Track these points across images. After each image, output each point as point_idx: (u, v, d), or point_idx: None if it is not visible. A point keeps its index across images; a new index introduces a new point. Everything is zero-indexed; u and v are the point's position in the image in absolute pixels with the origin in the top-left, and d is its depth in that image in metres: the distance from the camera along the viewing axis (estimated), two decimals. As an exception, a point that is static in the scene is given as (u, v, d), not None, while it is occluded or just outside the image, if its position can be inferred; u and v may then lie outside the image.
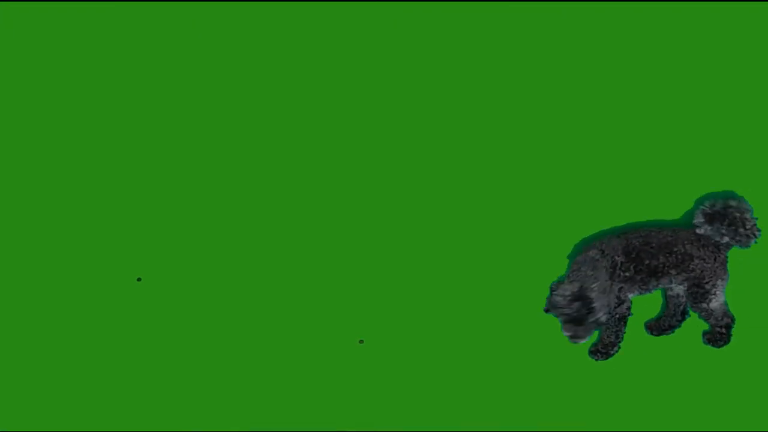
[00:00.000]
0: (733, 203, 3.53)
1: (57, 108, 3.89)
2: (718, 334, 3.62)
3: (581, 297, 3.44)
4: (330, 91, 3.87)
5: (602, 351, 3.64)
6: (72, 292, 3.81)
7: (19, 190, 3.87)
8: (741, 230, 3.51)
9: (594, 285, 3.45)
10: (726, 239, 3.52)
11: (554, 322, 3.73)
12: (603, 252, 3.53)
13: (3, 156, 3.88)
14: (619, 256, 3.52)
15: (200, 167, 3.86)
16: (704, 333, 3.67)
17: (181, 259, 3.84)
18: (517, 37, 3.83)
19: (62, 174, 3.88)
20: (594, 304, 3.43)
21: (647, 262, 3.52)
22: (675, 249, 3.52)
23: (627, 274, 3.52)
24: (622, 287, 3.54)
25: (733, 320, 3.62)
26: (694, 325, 3.72)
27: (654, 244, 3.53)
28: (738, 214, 3.51)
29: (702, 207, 3.55)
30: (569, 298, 3.43)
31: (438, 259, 3.81)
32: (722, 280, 3.54)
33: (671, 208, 3.75)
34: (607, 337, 3.62)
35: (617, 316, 3.57)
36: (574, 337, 3.49)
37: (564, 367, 3.72)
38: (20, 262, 3.84)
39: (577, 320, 3.44)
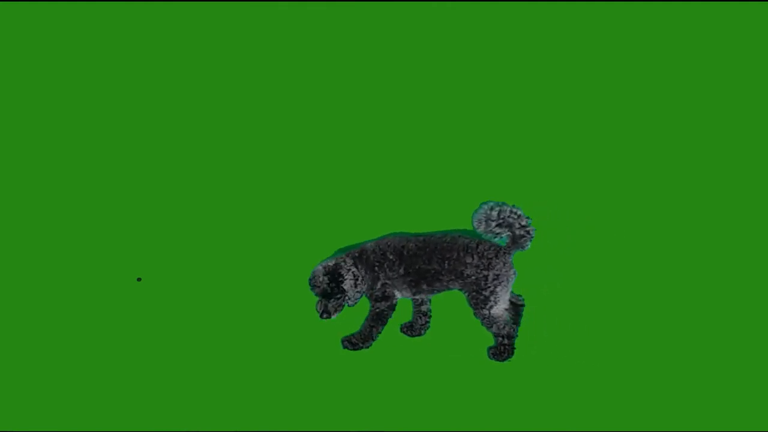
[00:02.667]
0: (506, 208, 3.59)
1: (41, 111, 3.98)
2: (502, 347, 3.67)
3: (334, 273, 3.60)
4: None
5: (353, 342, 3.72)
6: (68, 291, 3.90)
7: (16, 191, 3.95)
8: (516, 230, 3.58)
9: (350, 267, 3.61)
10: (502, 237, 3.59)
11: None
12: (378, 247, 3.64)
13: (2, 156, 3.95)
14: (391, 254, 3.61)
15: (188, 170, 3.98)
16: (489, 348, 3.71)
17: (177, 259, 3.93)
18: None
19: (57, 174, 3.97)
20: (344, 284, 3.61)
21: (418, 265, 3.61)
22: (449, 255, 3.60)
23: (393, 273, 3.63)
24: (386, 283, 3.64)
25: (515, 331, 3.67)
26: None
27: (429, 249, 3.61)
28: (513, 217, 3.58)
29: (479, 210, 3.61)
30: (323, 271, 3.61)
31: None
32: (503, 286, 3.61)
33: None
34: (363, 330, 3.71)
35: (377, 310, 3.68)
36: (323, 312, 3.65)
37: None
38: (20, 263, 3.92)
39: (326, 294, 3.61)
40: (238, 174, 3.98)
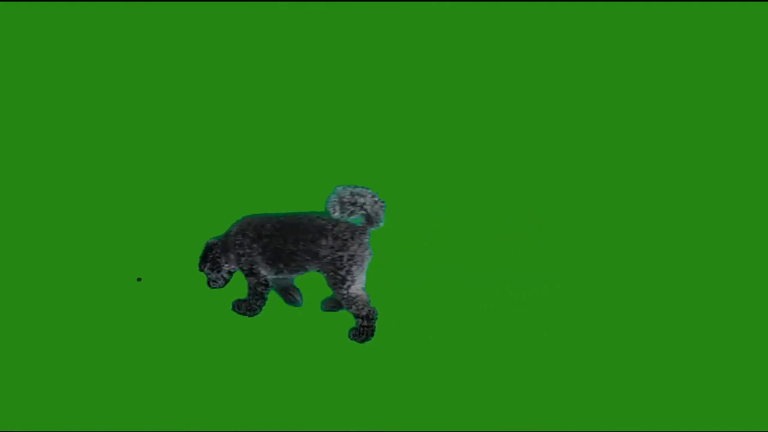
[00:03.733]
0: (355, 189, 3.62)
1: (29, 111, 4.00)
2: (362, 327, 3.71)
3: (205, 251, 3.78)
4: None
5: (240, 308, 3.81)
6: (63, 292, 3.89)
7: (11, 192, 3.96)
8: (369, 208, 3.61)
9: (215, 252, 3.77)
10: (356, 216, 3.63)
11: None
12: (240, 228, 3.74)
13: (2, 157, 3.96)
14: (251, 233, 3.72)
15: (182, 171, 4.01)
16: (350, 330, 3.75)
17: (173, 258, 3.93)
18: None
19: (53, 175, 3.99)
20: (204, 266, 3.78)
21: (274, 245, 3.69)
22: (303, 237, 3.67)
23: (251, 251, 3.71)
24: (248, 259, 3.73)
25: (374, 313, 3.70)
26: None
27: (285, 230, 3.69)
28: (362, 197, 3.61)
29: (331, 195, 3.63)
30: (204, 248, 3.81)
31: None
32: (358, 266, 3.67)
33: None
34: (247, 301, 3.81)
35: (250, 285, 3.79)
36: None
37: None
38: (19, 263, 3.91)
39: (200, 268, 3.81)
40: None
